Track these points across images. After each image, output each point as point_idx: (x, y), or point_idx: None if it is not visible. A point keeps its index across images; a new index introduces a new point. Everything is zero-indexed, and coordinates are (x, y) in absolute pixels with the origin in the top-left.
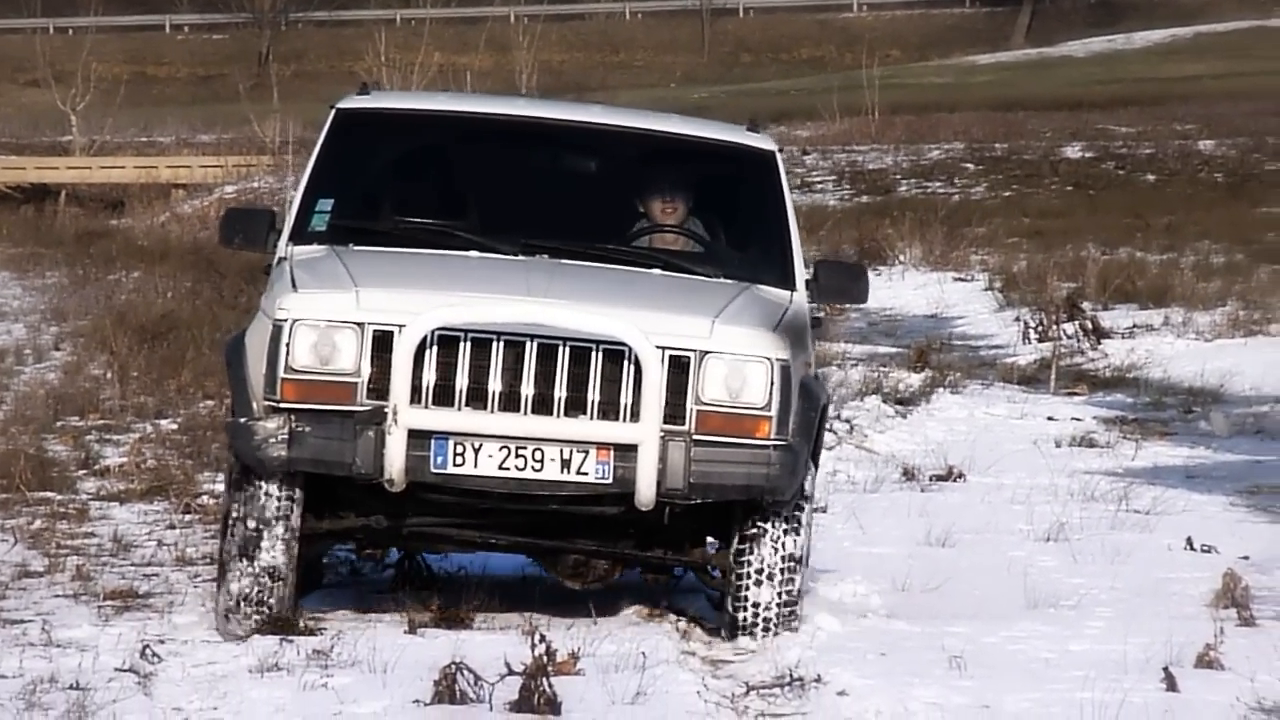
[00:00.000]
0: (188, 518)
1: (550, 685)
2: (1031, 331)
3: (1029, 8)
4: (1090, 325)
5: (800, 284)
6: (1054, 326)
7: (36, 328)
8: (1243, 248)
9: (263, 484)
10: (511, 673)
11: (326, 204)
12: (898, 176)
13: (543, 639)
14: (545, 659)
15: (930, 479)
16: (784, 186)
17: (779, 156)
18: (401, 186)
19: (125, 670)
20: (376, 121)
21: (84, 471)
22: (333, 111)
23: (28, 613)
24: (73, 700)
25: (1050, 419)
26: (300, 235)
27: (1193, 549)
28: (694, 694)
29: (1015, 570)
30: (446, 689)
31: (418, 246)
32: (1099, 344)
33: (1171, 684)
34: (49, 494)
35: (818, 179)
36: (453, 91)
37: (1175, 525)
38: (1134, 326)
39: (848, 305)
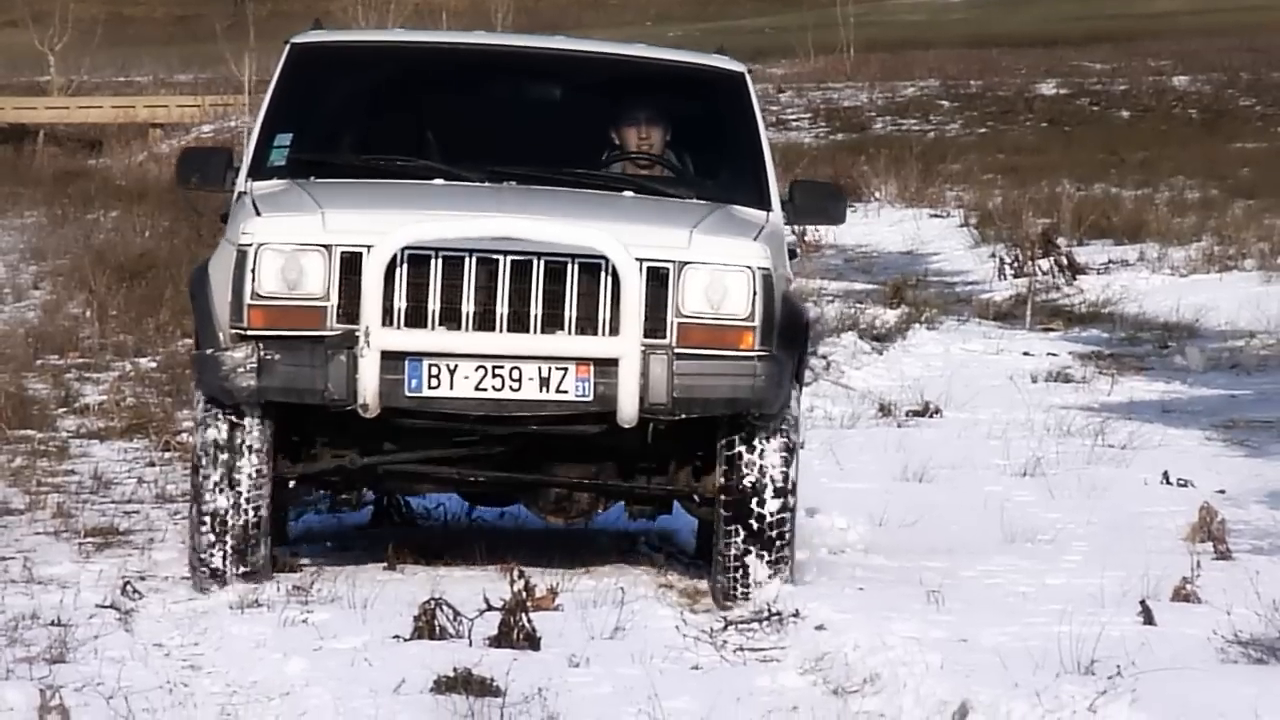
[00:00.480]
0: (167, 455)
1: (529, 620)
2: (1007, 267)
3: None
4: (1065, 261)
5: (776, 204)
6: (1029, 262)
7: (15, 267)
8: (1217, 183)
9: (232, 417)
10: (490, 608)
11: (285, 139)
12: (873, 114)
13: (521, 575)
14: (524, 594)
15: (907, 415)
16: (755, 108)
17: (748, 78)
18: (361, 120)
19: (106, 607)
20: (333, 55)
21: (64, 409)
22: (287, 46)
23: (8, 550)
24: (54, 636)
25: (1026, 354)
26: (259, 171)
27: (1169, 483)
28: (673, 628)
29: (992, 505)
30: (426, 624)
31: (381, 178)
32: (1074, 280)
33: (1148, 617)
34: (29, 432)
35: (793, 117)
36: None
37: (1151, 460)
38: (1109, 262)
39: (823, 228)
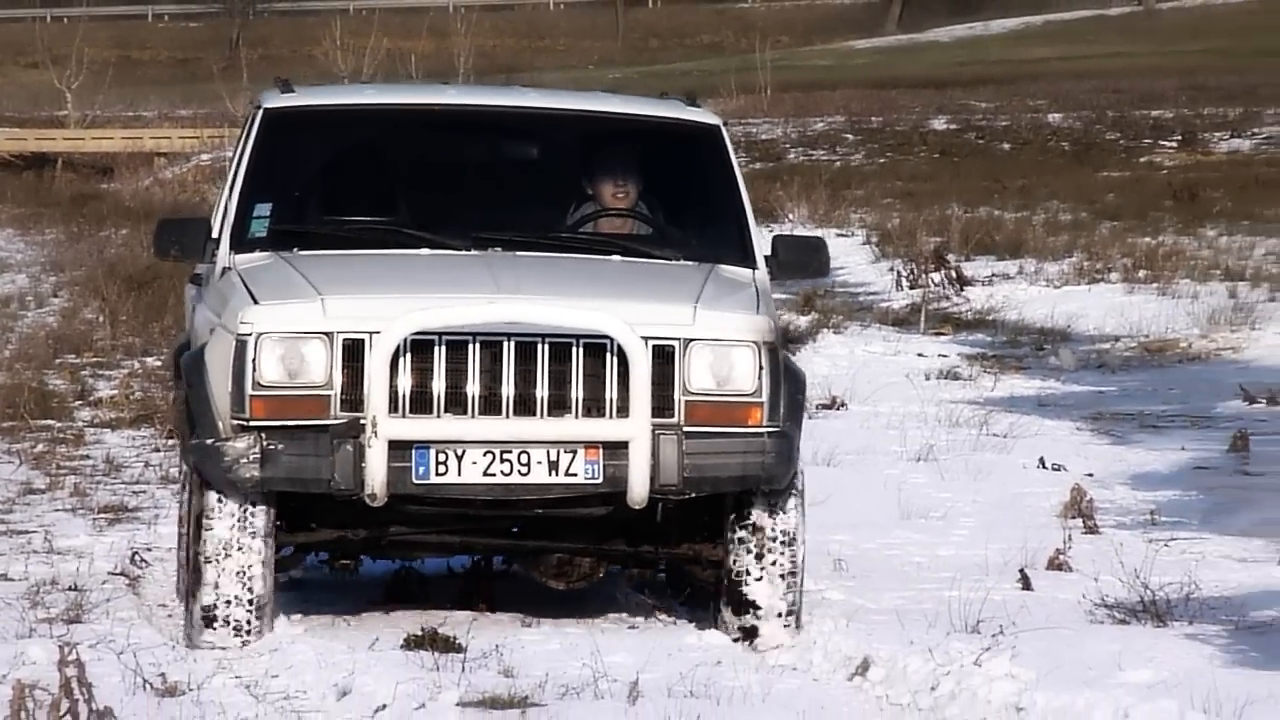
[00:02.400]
0: (170, 442)
1: (488, 587)
2: (904, 280)
3: (901, 1)
4: (955, 274)
5: (760, 261)
6: (923, 275)
7: (37, 277)
8: (1086, 206)
9: (233, 505)
10: (453, 573)
11: (264, 209)
12: (786, 146)
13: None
14: (482, 563)
15: (817, 408)
16: (733, 161)
17: (725, 130)
18: (339, 185)
19: (117, 574)
20: (306, 119)
21: (80, 402)
22: (259, 112)
23: (31, 524)
24: (71, 600)
25: (920, 355)
26: (240, 243)
27: (1044, 467)
28: (614, 596)
29: (890, 486)
30: (398, 590)
31: (365, 247)
32: (962, 290)
33: (1026, 583)
34: (50, 422)
35: None
36: (379, 84)
37: (1029, 447)
38: (992, 275)
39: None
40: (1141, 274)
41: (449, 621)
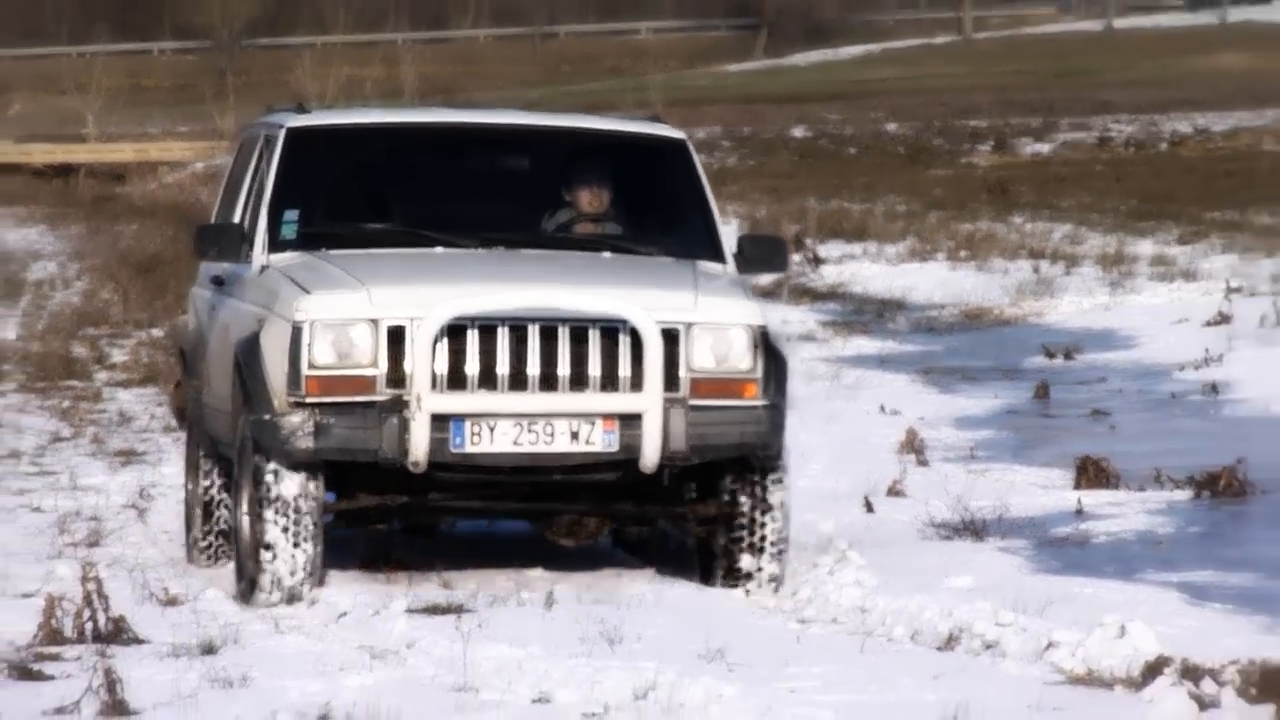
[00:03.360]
0: (170, 397)
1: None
2: None
3: (765, 29)
4: (811, 254)
5: (729, 257)
6: None
7: (64, 264)
8: (918, 199)
9: (289, 473)
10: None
11: (293, 215)
12: None
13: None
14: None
15: None
16: (699, 169)
17: (690, 144)
18: (356, 193)
19: (129, 506)
20: (325, 136)
21: (98, 366)
22: (283, 130)
23: (59, 466)
24: (91, 527)
25: (784, 322)
26: (275, 245)
27: (884, 412)
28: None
29: None
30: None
31: (384, 246)
32: (817, 268)
33: (870, 508)
34: (74, 382)
35: None
36: (386, 105)
37: (872, 396)
38: (842, 255)
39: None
40: (962, 254)
41: (399, 545)
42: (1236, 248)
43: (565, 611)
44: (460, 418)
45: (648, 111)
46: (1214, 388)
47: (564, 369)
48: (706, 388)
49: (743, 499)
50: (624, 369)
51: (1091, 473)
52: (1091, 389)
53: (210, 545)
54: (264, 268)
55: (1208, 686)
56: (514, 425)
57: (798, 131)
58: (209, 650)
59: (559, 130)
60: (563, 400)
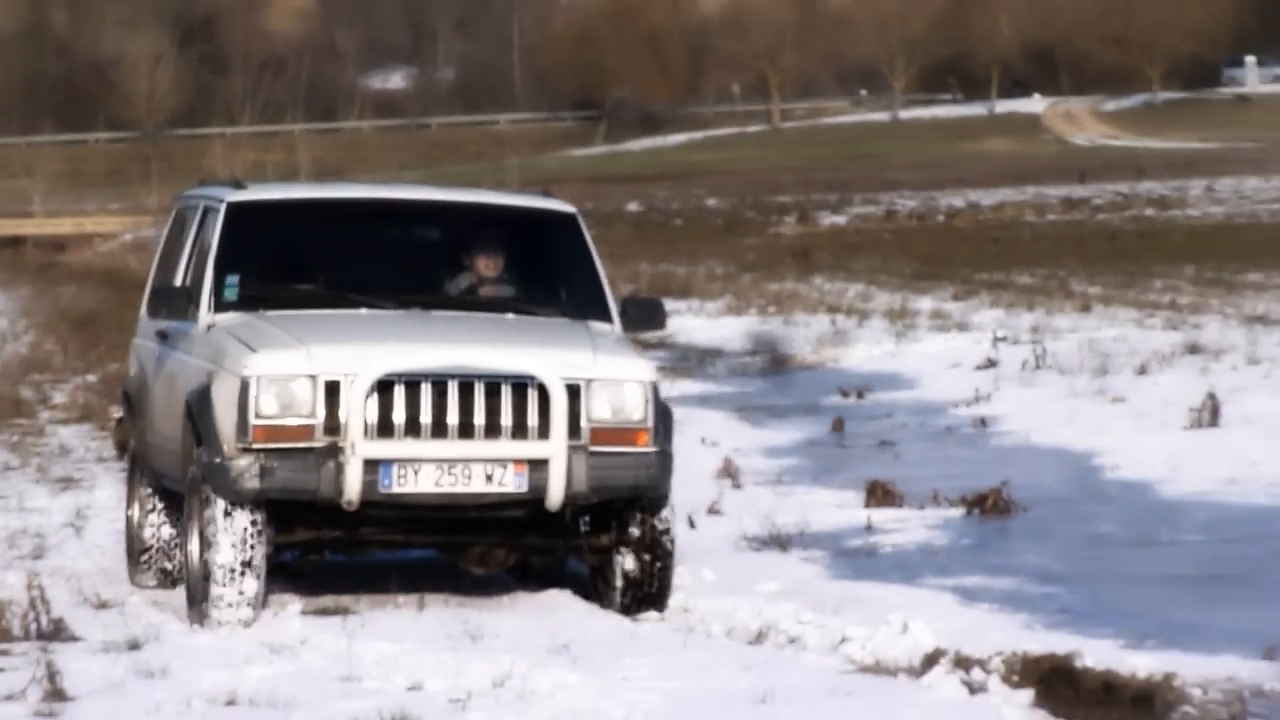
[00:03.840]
0: (103, 433)
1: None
2: None
3: (605, 120)
4: None
5: (616, 318)
6: None
7: (13, 320)
8: (733, 263)
9: (236, 511)
10: None
11: (233, 278)
12: None
13: None
14: None
15: None
16: (588, 239)
17: (580, 217)
18: (289, 259)
19: (67, 525)
20: (262, 209)
21: (42, 406)
22: (223, 205)
23: (9, 491)
24: (35, 543)
25: None
26: (218, 306)
27: (705, 444)
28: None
29: None
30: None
31: (315, 307)
32: None
33: (692, 524)
34: (21, 420)
35: None
36: (308, 182)
37: (695, 430)
38: (670, 311)
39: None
40: (771, 309)
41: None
42: (1002, 303)
43: (435, 613)
44: (389, 461)
45: (540, 187)
46: (983, 421)
47: (479, 419)
48: (604, 436)
49: (634, 532)
50: (532, 419)
51: (879, 494)
52: (879, 423)
53: (153, 568)
54: (210, 326)
55: (977, 674)
56: (436, 468)
57: (632, 206)
58: (134, 646)
59: (464, 204)
60: (478, 447)
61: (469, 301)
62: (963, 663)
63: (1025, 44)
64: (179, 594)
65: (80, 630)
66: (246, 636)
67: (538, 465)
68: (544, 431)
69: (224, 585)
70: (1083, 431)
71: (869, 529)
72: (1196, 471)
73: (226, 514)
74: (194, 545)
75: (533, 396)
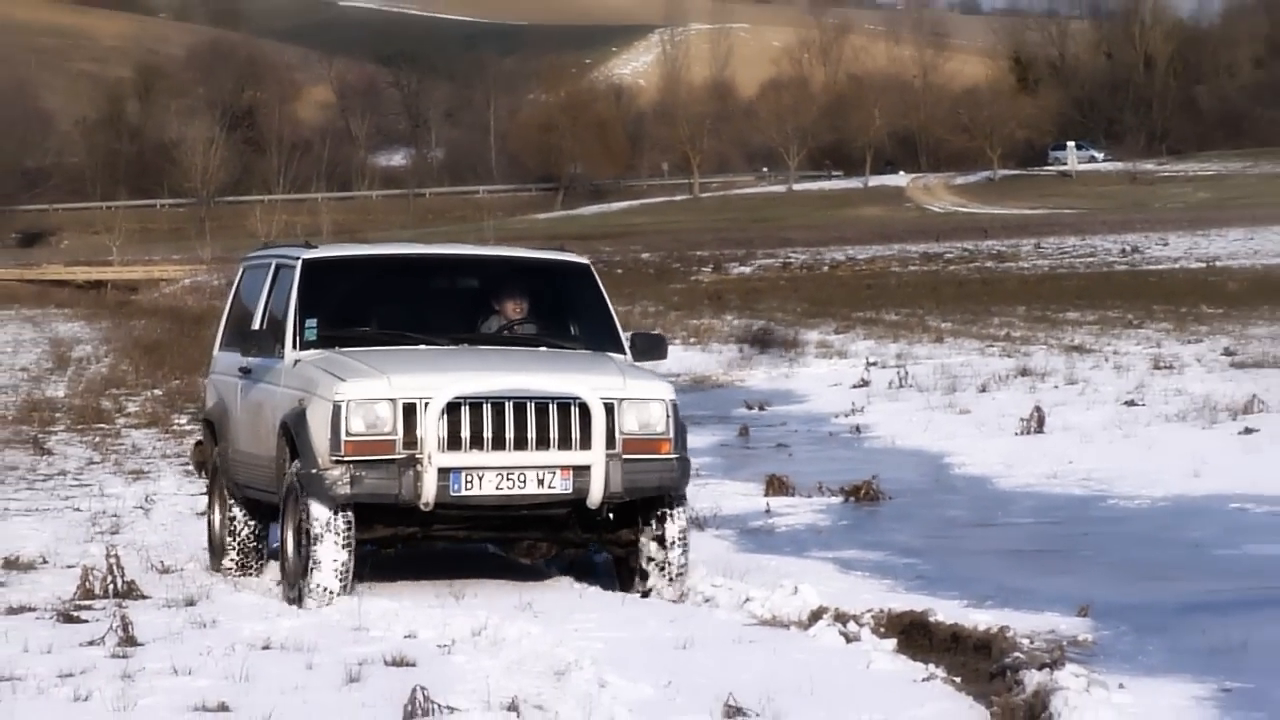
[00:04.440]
0: (166, 435)
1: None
2: None
3: (562, 191)
4: None
5: (627, 349)
6: None
7: (96, 346)
8: (662, 304)
9: (331, 513)
10: None
11: (312, 321)
12: None
13: None
14: None
15: None
16: (601, 286)
17: (592, 267)
18: (355, 305)
19: (138, 507)
20: (333, 265)
21: (119, 414)
22: (299, 262)
23: (91, 481)
24: (113, 521)
25: None
26: (300, 345)
27: None
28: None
29: None
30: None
31: (381, 344)
32: None
33: None
34: (102, 425)
35: None
36: (369, 241)
37: None
38: None
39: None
40: (692, 340)
41: None
42: (873, 336)
43: (427, 580)
44: (458, 470)
45: (559, 243)
46: (858, 429)
47: (532, 433)
48: (634, 446)
49: (656, 528)
50: (575, 432)
51: (776, 485)
52: (777, 430)
53: (237, 563)
54: (296, 361)
55: (852, 627)
56: (497, 475)
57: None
58: (190, 603)
59: (496, 258)
60: (531, 456)
61: (507, 338)
62: (841, 618)
63: (892, 131)
64: (238, 571)
65: (148, 590)
66: (278, 595)
67: (581, 471)
68: (585, 443)
69: (319, 573)
70: (936, 437)
71: (768, 513)
72: (1026, 468)
73: (322, 514)
74: (290, 540)
75: (575, 414)
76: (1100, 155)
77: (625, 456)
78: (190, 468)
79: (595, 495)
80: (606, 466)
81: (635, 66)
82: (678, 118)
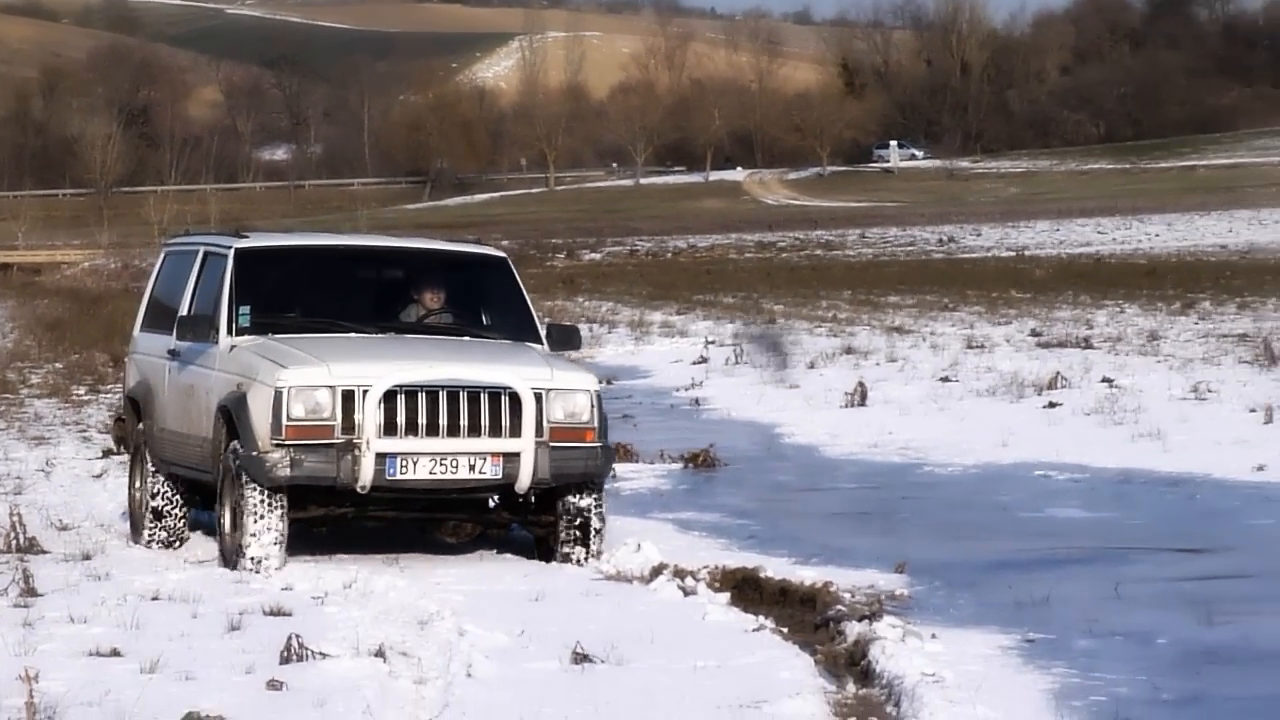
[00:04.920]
0: (66, 404)
1: None
2: None
3: (430, 184)
4: None
5: (544, 340)
6: None
7: (3, 324)
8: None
9: (266, 495)
10: None
11: (245, 309)
12: None
13: None
14: None
15: None
16: (517, 277)
17: (510, 260)
18: (286, 293)
19: (39, 470)
20: (265, 254)
21: (23, 385)
22: (231, 250)
23: None
24: (15, 482)
25: None
26: (234, 331)
27: None
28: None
29: None
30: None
31: (312, 331)
32: None
33: None
34: (7, 395)
35: None
36: (300, 231)
37: None
38: None
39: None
40: (545, 320)
41: None
42: (712, 316)
43: (302, 539)
44: (394, 455)
45: (474, 236)
46: (697, 401)
47: (464, 421)
48: (561, 434)
49: (577, 509)
50: (505, 420)
51: (622, 452)
52: (623, 402)
53: (161, 537)
54: (232, 347)
55: (689, 581)
56: (430, 460)
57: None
58: (87, 557)
59: (419, 250)
60: (463, 443)
61: (431, 326)
62: (679, 573)
63: (731, 131)
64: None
65: (48, 546)
66: (168, 553)
67: (511, 457)
68: (515, 430)
69: (256, 551)
70: (768, 409)
71: (614, 477)
72: (849, 438)
73: (256, 494)
74: (227, 518)
75: (505, 403)
76: (920, 154)
77: (552, 444)
78: (88, 435)
79: (524, 481)
80: (535, 453)
81: (497, 71)
82: (535, 117)
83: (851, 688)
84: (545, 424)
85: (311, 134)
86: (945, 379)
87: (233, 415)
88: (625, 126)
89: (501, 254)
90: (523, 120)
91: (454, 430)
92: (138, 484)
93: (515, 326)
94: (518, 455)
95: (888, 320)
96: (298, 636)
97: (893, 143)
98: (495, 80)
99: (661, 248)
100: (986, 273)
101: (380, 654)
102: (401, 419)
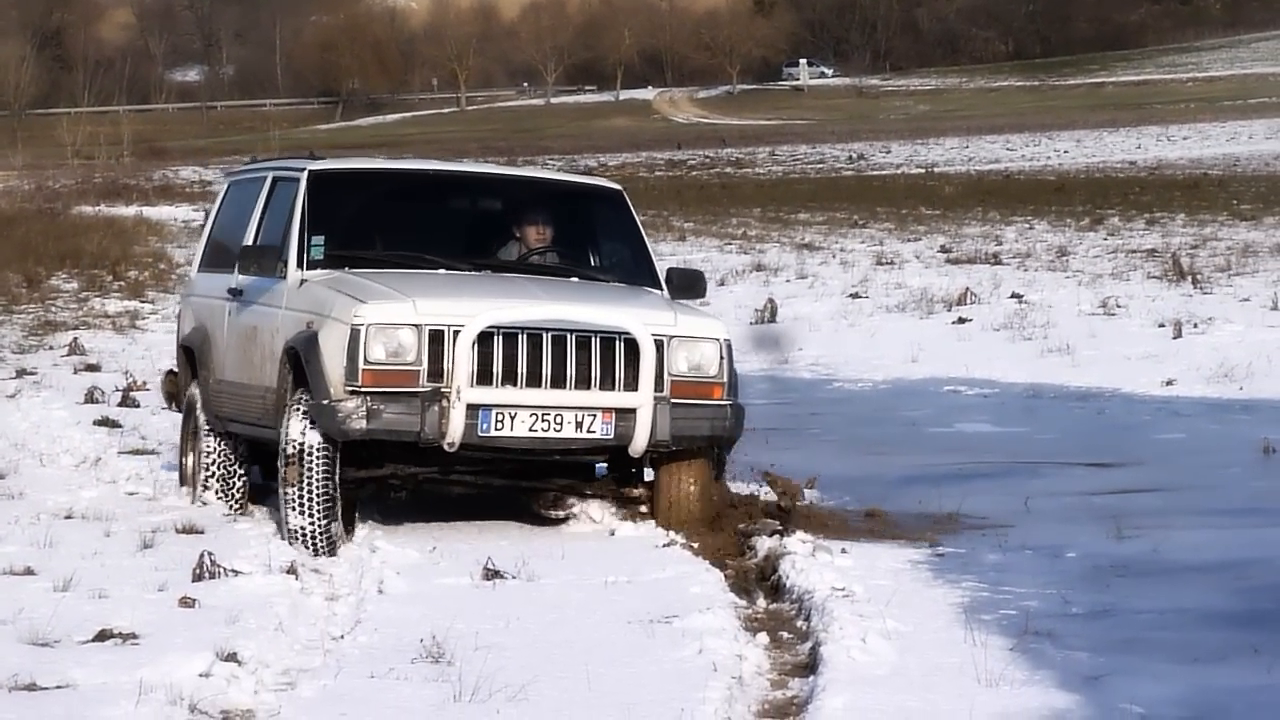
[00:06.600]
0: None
1: None
2: None
3: (342, 105)
4: None
5: (663, 285)
6: None
7: None
8: None
9: (331, 447)
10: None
11: (318, 239)
12: None
13: None
14: None
15: None
16: (635, 214)
17: (625, 193)
18: (366, 224)
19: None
20: (343, 178)
21: None
22: (305, 173)
23: None
24: None
25: None
26: (305, 264)
27: None
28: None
29: None
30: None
31: (396, 267)
32: None
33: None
34: None
35: None
36: (382, 155)
37: None
38: None
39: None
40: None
41: None
42: None
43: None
44: (489, 407)
45: (587, 168)
46: None
47: (571, 370)
48: (684, 389)
49: (693, 479)
50: (619, 372)
51: None
52: None
53: (211, 497)
54: (303, 281)
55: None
56: (530, 415)
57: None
58: (1, 477)
59: (521, 179)
60: (570, 396)
61: (535, 265)
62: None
63: (641, 50)
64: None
65: None
66: (81, 473)
67: (624, 414)
68: (631, 383)
69: (313, 514)
70: None
71: None
72: (760, 354)
73: (320, 446)
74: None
75: (620, 350)
76: (829, 72)
77: (674, 400)
78: (2, 356)
79: (639, 442)
80: (654, 411)
81: None
82: (446, 38)
83: (762, 602)
84: (666, 377)
85: (223, 55)
86: (855, 295)
87: (301, 359)
88: (536, 46)
89: (616, 186)
90: (433, 40)
91: (559, 381)
92: (189, 450)
93: (631, 269)
94: (633, 412)
95: (798, 237)
96: (210, 554)
97: (802, 61)
98: (406, 1)
99: (572, 166)
100: (896, 190)
101: (292, 571)
102: (498, 366)
